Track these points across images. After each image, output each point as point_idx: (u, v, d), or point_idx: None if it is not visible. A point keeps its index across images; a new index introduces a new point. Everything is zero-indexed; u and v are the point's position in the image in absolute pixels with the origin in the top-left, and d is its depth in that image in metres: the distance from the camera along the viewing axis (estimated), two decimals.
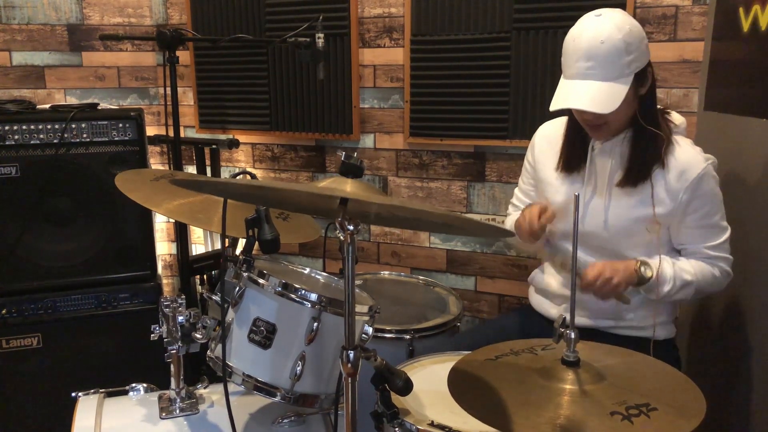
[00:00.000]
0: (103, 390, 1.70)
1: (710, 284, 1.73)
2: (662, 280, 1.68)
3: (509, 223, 2.01)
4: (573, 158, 1.81)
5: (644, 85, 1.66)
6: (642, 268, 1.67)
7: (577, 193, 1.27)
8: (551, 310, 1.91)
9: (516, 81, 2.47)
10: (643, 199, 1.71)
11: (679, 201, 1.68)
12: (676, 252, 1.78)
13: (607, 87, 1.59)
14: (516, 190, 2.06)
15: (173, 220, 3.01)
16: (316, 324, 1.42)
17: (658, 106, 1.75)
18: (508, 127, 2.52)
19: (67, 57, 2.98)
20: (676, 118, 1.77)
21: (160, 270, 2.88)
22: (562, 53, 1.68)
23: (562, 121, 1.87)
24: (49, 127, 2.37)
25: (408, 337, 2.00)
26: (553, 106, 1.65)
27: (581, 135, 1.79)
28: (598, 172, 1.77)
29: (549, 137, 1.90)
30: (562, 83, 1.67)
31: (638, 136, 1.70)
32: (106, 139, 2.43)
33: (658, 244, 1.72)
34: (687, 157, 1.68)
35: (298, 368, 1.42)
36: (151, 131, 2.90)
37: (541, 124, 1.97)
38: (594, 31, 1.59)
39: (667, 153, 1.68)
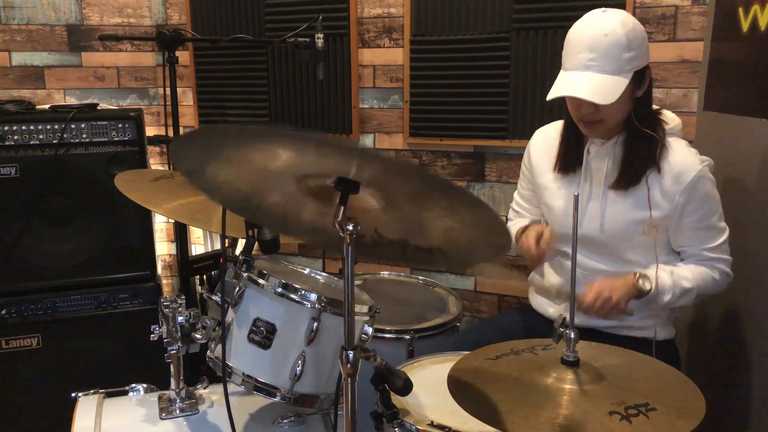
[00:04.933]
0: (102, 390, 1.70)
1: (710, 287, 1.73)
2: (662, 291, 1.69)
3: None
4: (569, 160, 1.81)
5: (641, 86, 1.66)
6: (640, 281, 1.67)
7: (576, 193, 1.27)
8: (551, 309, 1.91)
9: (516, 81, 2.47)
10: (638, 202, 1.70)
11: (675, 204, 1.68)
12: (676, 254, 1.78)
13: (606, 79, 1.59)
14: (515, 195, 2.06)
15: (173, 221, 3.00)
16: (316, 324, 1.42)
17: (654, 106, 1.75)
18: (507, 127, 2.52)
19: (67, 57, 2.98)
20: (670, 118, 1.76)
21: (159, 270, 2.88)
22: (563, 46, 1.68)
23: (558, 125, 1.87)
24: (48, 127, 2.37)
25: (408, 337, 2.00)
26: (552, 94, 1.65)
27: (577, 137, 1.79)
28: (593, 176, 1.77)
29: (545, 141, 1.89)
30: (562, 74, 1.67)
31: (632, 138, 1.70)
32: (106, 140, 2.44)
33: (656, 247, 1.72)
34: (682, 159, 1.68)
35: (298, 368, 1.42)
36: (150, 131, 2.90)
37: (540, 124, 1.97)
38: (599, 25, 1.60)
39: (661, 156, 1.68)
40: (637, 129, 1.68)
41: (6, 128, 2.33)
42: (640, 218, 1.71)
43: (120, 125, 2.45)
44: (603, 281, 1.69)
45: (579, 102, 1.65)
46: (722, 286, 1.76)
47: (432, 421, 1.38)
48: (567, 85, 1.63)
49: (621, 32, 1.58)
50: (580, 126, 1.73)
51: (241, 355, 1.46)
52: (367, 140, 2.82)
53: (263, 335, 1.43)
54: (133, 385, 1.71)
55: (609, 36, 1.58)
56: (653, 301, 1.69)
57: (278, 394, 1.44)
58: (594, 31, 1.60)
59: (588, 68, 1.60)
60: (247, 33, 2.84)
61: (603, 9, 1.65)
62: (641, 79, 1.65)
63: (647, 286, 1.67)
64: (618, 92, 1.59)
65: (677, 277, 1.70)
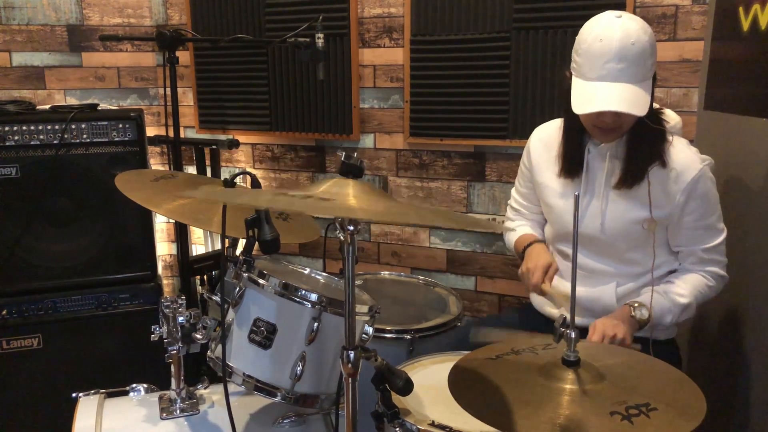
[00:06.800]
0: (103, 390, 1.70)
1: (707, 295, 1.75)
2: (661, 314, 1.69)
3: (510, 241, 2.01)
4: (572, 162, 1.80)
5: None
6: (636, 312, 1.67)
7: (577, 193, 1.27)
8: (552, 310, 1.91)
9: (516, 81, 2.47)
10: (639, 202, 1.71)
11: (675, 202, 1.68)
12: (674, 254, 1.79)
13: (637, 89, 1.57)
14: (513, 192, 2.05)
15: (173, 221, 3.01)
16: (316, 324, 1.42)
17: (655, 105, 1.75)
18: (507, 127, 2.52)
19: (67, 57, 2.98)
20: (671, 117, 1.76)
21: (160, 270, 2.88)
22: (579, 53, 1.62)
23: (557, 123, 1.86)
24: (49, 127, 2.37)
25: (408, 337, 2.00)
26: (585, 108, 1.59)
27: (578, 138, 1.78)
28: (594, 175, 1.77)
29: (545, 140, 1.88)
30: (586, 85, 1.60)
31: (634, 137, 1.69)
32: (106, 140, 2.43)
33: (655, 246, 1.72)
34: (683, 158, 1.68)
35: (299, 368, 1.42)
36: (151, 132, 2.90)
37: (540, 124, 1.96)
38: (623, 32, 1.55)
39: (665, 152, 1.68)
40: (640, 127, 1.67)
41: (6, 129, 2.33)
42: (641, 217, 1.71)
43: (120, 125, 2.45)
44: (603, 320, 1.67)
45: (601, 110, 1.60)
46: (718, 289, 1.77)
47: (433, 421, 1.39)
48: (600, 98, 1.57)
49: (645, 39, 1.56)
50: (593, 132, 1.71)
51: (242, 355, 1.46)
52: (368, 140, 2.82)
53: (264, 335, 1.43)
54: (134, 385, 1.71)
55: (636, 44, 1.55)
56: (656, 326, 1.70)
57: (279, 394, 1.44)
58: (621, 39, 1.55)
59: (618, 79, 1.56)
60: (247, 33, 2.84)
61: (617, 14, 1.60)
62: (654, 81, 1.65)
63: (645, 315, 1.67)
64: (648, 100, 1.58)
65: (673, 295, 1.71)
